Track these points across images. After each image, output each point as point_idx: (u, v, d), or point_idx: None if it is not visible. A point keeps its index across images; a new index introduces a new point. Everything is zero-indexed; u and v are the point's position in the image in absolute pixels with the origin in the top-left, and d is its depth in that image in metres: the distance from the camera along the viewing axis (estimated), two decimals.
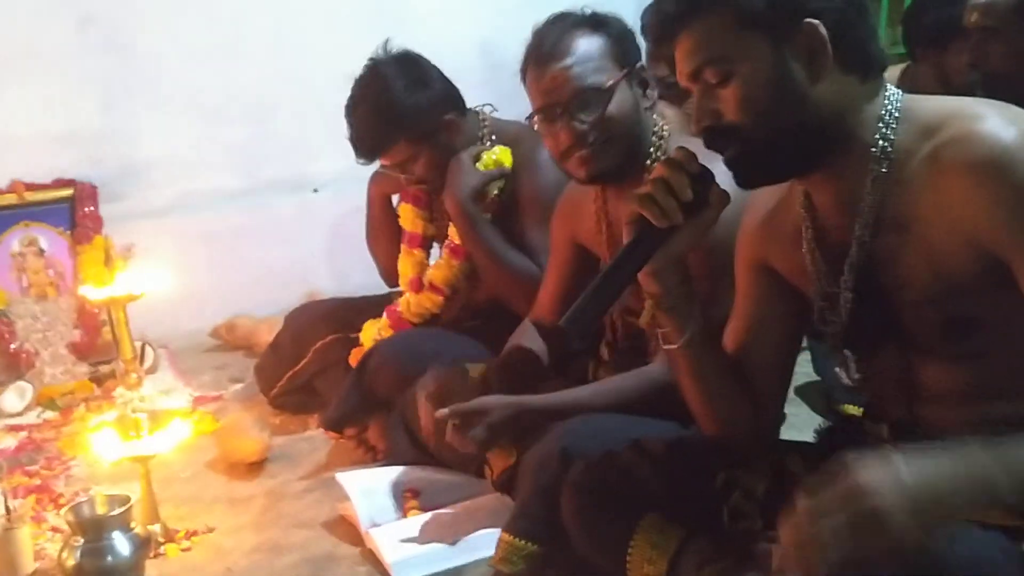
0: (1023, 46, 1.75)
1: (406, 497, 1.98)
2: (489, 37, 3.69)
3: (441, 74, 2.27)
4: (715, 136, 1.25)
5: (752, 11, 1.19)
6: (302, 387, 2.63)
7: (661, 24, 1.26)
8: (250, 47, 3.55)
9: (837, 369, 2.11)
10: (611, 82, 1.71)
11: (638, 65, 1.76)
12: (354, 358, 2.39)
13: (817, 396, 2.41)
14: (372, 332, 2.43)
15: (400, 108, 2.18)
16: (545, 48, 1.74)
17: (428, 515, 1.92)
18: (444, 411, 1.74)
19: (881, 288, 1.25)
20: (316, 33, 3.59)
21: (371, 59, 2.27)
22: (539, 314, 2.03)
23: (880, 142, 1.21)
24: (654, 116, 1.79)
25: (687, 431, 1.59)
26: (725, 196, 1.30)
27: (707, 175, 1.29)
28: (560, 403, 1.76)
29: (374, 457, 2.28)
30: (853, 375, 1.39)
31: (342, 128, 3.50)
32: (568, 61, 1.72)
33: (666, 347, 1.40)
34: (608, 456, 1.51)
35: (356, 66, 3.44)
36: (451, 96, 2.26)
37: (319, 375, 2.58)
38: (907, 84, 2.51)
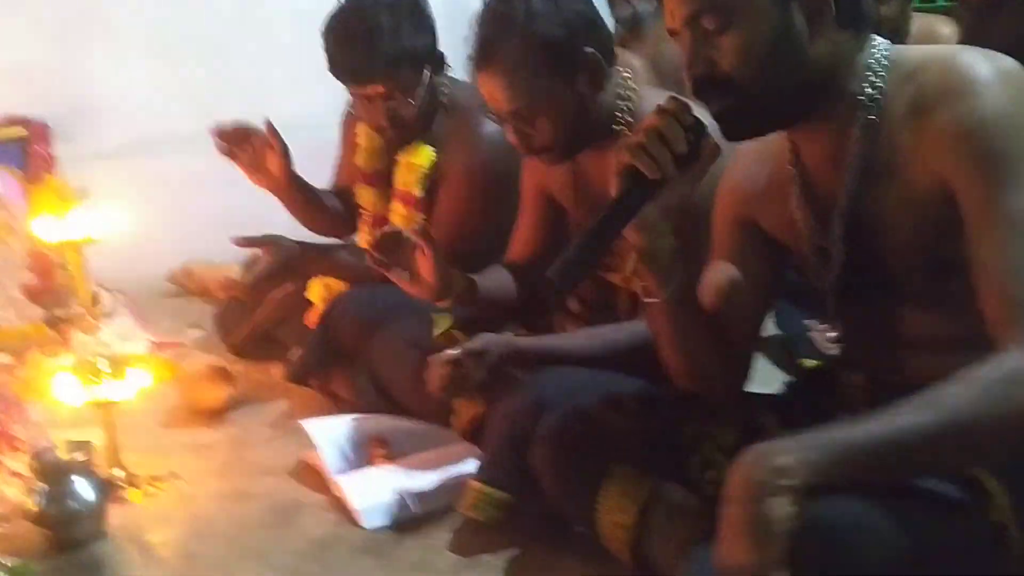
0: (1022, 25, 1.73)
1: (373, 445, 1.98)
2: None
3: (432, 24, 2.20)
4: (706, 85, 1.24)
5: None
6: (263, 335, 2.61)
7: None
8: None
9: (807, 322, 2.14)
10: (546, 95, 1.67)
11: (587, 53, 1.68)
12: (310, 319, 2.37)
13: (779, 350, 2.44)
14: (319, 289, 2.40)
15: (382, 48, 2.11)
16: (480, 51, 1.70)
17: (395, 463, 1.93)
18: (454, 352, 1.74)
19: (869, 236, 1.26)
20: None
21: None
22: (512, 262, 2.04)
23: (868, 90, 1.22)
24: (617, 72, 1.77)
25: (657, 387, 1.60)
26: (717, 148, 1.30)
27: (700, 126, 1.27)
28: (555, 347, 1.76)
29: (339, 406, 2.27)
30: (831, 326, 1.41)
31: (304, 70, 3.44)
32: (501, 76, 1.68)
33: (647, 300, 1.40)
34: (580, 408, 1.52)
35: (316, 9, 3.39)
36: (434, 51, 2.21)
37: (280, 324, 2.57)
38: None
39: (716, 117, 1.26)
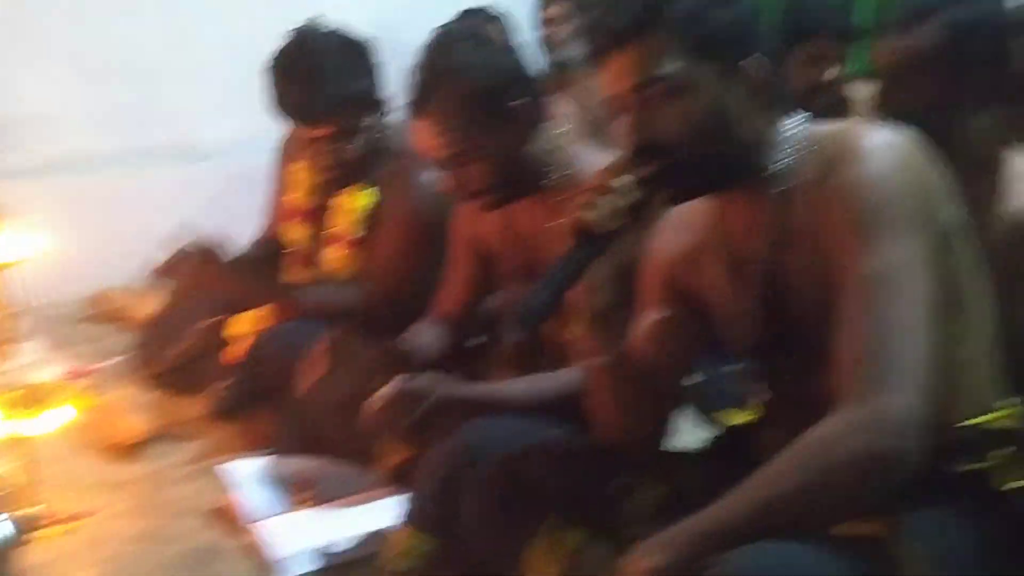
0: (931, 92, 1.81)
1: (296, 488, 1.96)
2: (390, 19, 3.64)
3: (377, 68, 2.21)
4: (646, 150, 1.29)
5: (708, 39, 1.26)
6: (185, 366, 2.55)
7: (616, 31, 1.28)
8: (140, 4, 3.41)
9: (728, 373, 2.19)
10: (477, 142, 1.71)
11: (517, 105, 1.72)
12: (232, 355, 2.34)
13: (699, 399, 2.49)
14: (244, 325, 2.37)
15: (329, 89, 2.12)
16: (415, 99, 1.74)
17: (318, 508, 1.91)
18: (394, 386, 1.72)
19: (785, 299, 1.33)
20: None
21: (309, 25, 2.20)
22: (440, 311, 2.04)
23: (782, 162, 1.30)
24: (550, 126, 1.80)
25: (585, 437, 1.63)
26: (662, 206, 1.35)
27: (648, 184, 1.32)
28: (492, 394, 1.77)
29: (261, 446, 2.23)
30: (753, 384, 1.47)
31: (233, 95, 3.43)
32: (434, 123, 1.72)
33: (591, 361, 1.43)
34: (513, 457, 1.53)
35: (253, 32, 3.36)
36: (377, 95, 2.22)
37: (202, 357, 2.51)
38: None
39: (651, 181, 1.30)
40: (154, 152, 3.53)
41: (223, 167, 3.54)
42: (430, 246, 2.14)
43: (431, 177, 2.10)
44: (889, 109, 1.85)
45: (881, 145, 1.23)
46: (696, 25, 1.26)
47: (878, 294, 1.17)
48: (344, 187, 2.27)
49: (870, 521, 1.20)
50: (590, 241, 1.30)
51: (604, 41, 1.30)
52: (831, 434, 1.15)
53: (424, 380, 1.76)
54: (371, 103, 2.20)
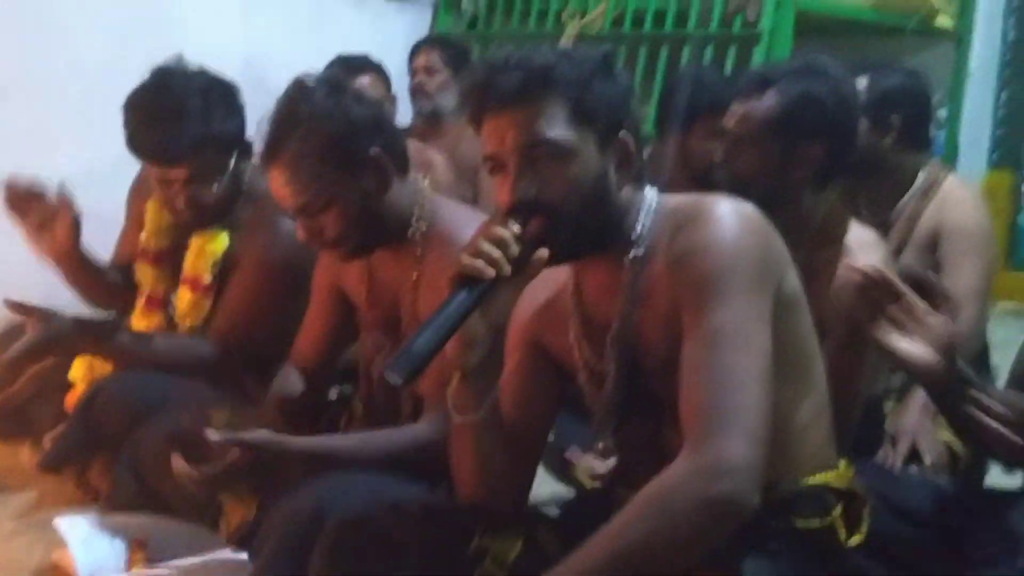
0: (768, 158, 1.90)
1: (132, 547, 1.86)
2: (255, 54, 3.59)
3: (241, 110, 2.16)
4: (526, 208, 1.32)
5: (592, 110, 1.33)
6: (13, 412, 2.40)
7: (503, 93, 1.32)
8: None
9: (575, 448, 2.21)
10: (329, 191, 1.69)
11: (372, 153, 1.71)
12: (70, 401, 2.23)
13: (551, 456, 2.50)
14: (82, 369, 2.27)
15: (189, 131, 2.05)
16: (266, 147, 1.72)
17: (155, 569, 1.82)
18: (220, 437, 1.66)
19: (637, 360, 1.38)
20: (66, 18, 3.32)
21: (169, 65, 2.12)
22: (299, 360, 1.99)
23: (638, 229, 1.37)
24: (414, 178, 1.80)
25: (439, 493, 1.62)
26: (542, 261, 1.35)
27: (529, 239, 1.33)
28: (327, 449, 1.72)
29: (95, 499, 2.12)
30: (607, 443, 1.49)
31: (85, 125, 3.29)
32: (285, 171, 1.70)
33: (460, 418, 1.42)
34: (365, 517, 1.49)
35: (109, 59, 3.25)
36: (241, 137, 2.16)
37: (34, 400, 2.38)
38: (653, 161, 2.68)
39: (529, 239, 1.32)
40: None
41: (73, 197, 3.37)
42: (287, 294, 2.10)
43: (291, 223, 2.04)
44: (729, 174, 1.93)
45: (727, 212, 1.30)
46: (581, 93, 1.31)
47: (718, 347, 1.23)
48: (199, 229, 2.20)
49: (715, 573, 1.24)
50: (470, 289, 1.30)
51: (489, 101, 1.33)
52: (671, 482, 1.20)
53: (256, 435, 1.70)
54: (233, 145, 2.14)
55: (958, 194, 2.34)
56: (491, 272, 1.30)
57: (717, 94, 2.45)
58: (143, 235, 2.30)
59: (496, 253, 1.30)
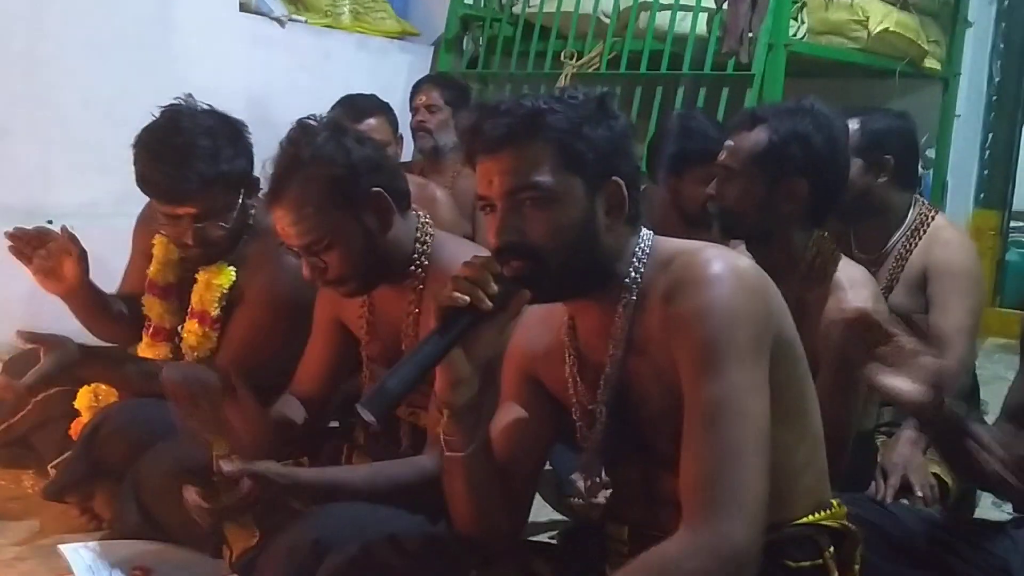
0: (756, 191, 1.95)
1: (135, 575, 1.87)
2: (260, 93, 3.64)
3: (249, 148, 2.20)
4: (510, 251, 1.34)
5: (580, 156, 1.33)
6: (17, 439, 2.43)
7: (493, 137, 1.34)
8: None
9: (577, 475, 2.23)
10: (332, 230, 1.72)
11: (373, 192, 1.75)
12: (74, 430, 2.25)
13: (548, 486, 2.52)
14: (87, 399, 2.29)
15: (198, 169, 2.08)
16: (271, 188, 1.75)
17: None
18: (232, 467, 1.65)
19: (629, 403, 1.39)
20: (73, 58, 3.37)
21: (182, 104, 2.16)
22: (299, 391, 2.01)
23: (632, 274, 1.38)
24: (416, 216, 1.83)
25: (438, 526, 1.62)
26: (524, 299, 1.37)
27: (514, 279, 1.35)
28: (336, 481, 1.74)
29: (98, 526, 2.15)
30: (600, 479, 1.50)
31: (89, 159, 3.33)
32: (289, 211, 1.73)
33: (449, 454, 1.44)
34: (364, 550, 1.51)
35: (115, 95, 3.29)
36: (249, 175, 2.20)
37: (38, 429, 2.40)
38: (645, 205, 2.73)
39: (514, 279, 1.35)
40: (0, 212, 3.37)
41: (76, 230, 3.39)
42: (290, 328, 2.11)
43: (295, 259, 2.07)
44: (719, 208, 1.98)
45: (724, 273, 1.29)
46: (569, 139, 1.32)
47: (716, 421, 1.24)
48: (207, 264, 2.23)
49: None
50: (454, 322, 1.32)
51: (479, 145, 1.36)
52: (672, 556, 1.21)
53: (262, 467, 1.72)
54: (240, 183, 2.18)
55: (947, 234, 2.39)
56: (465, 300, 1.31)
57: (709, 141, 2.49)
58: (151, 269, 2.33)
59: (473, 289, 1.32)
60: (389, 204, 1.77)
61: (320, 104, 3.29)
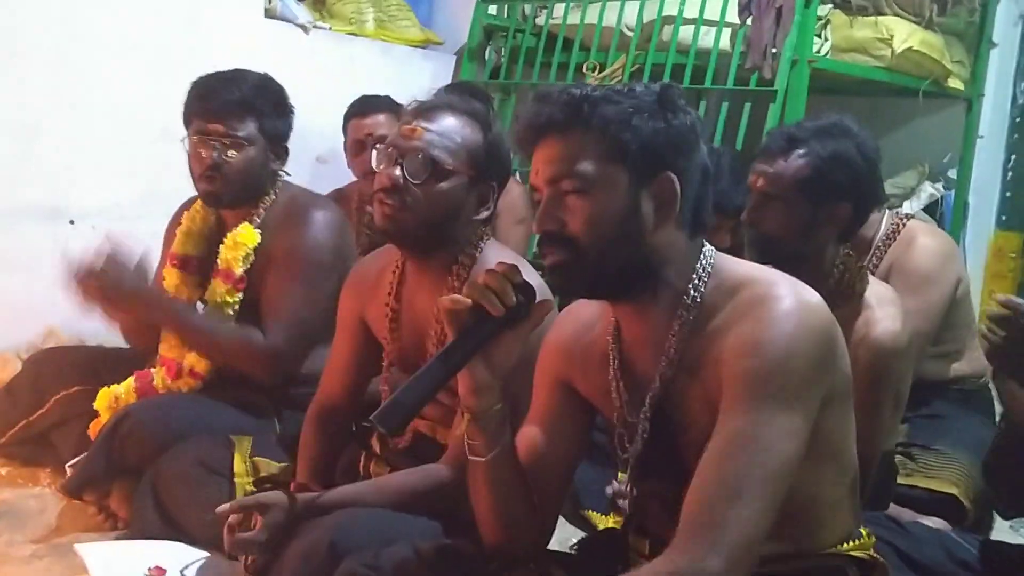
0: (800, 216, 1.94)
1: (151, 574, 1.87)
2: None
3: (290, 114, 2.36)
4: (551, 240, 1.33)
5: (624, 147, 1.29)
6: (36, 437, 2.44)
7: (538, 125, 1.33)
8: (24, 62, 3.30)
9: (609, 487, 2.23)
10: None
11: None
12: (93, 430, 2.26)
13: (567, 500, 2.51)
14: (107, 399, 2.29)
15: (239, 93, 2.24)
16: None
17: None
18: (224, 507, 1.67)
19: (671, 422, 1.37)
20: (102, 62, 3.39)
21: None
22: (325, 398, 2.01)
23: (692, 292, 1.33)
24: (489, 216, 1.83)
25: (453, 532, 1.62)
26: (546, 307, 1.37)
27: (529, 287, 1.36)
28: (342, 501, 1.73)
29: (114, 525, 2.15)
30: (628, 492, 1.51)
31: (111, 161, 3.34)
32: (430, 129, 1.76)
33: (473, 459, 1.43)
34: (380, 555, 1.50)
35: (141, 99, 3.31)
36: (283, 135, 2.34)
37: (57, 427, 2.41)
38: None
39: (550, 270, 1.35)
40: (21, 211, 3.39)
41: (93, 233, 3.41)
42: (323, 280, 2.20)
43: (324, 216, 2.25)
44: (755, 233, 1.97)
45: (793, 309, 1.25)
46: (617, 129, 1.29)
47: (734, 452, 1.22)
48: (219, 205, 2.32)
49: None
50: (471, 333, 1.32)
51: (528, 133, 1.34)
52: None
53: (273, 497, 1.70)
54: (272, 139, 2.29)
55: (910, 235, 2.48)
56: (466, 304, 1.31)
57: (724, 196, 2.47)
58: (175, 240, 2.38)
59: (486, 294, 1.31)
60: (494, 192, 1.80)
61: (343, 111, 3.34)
